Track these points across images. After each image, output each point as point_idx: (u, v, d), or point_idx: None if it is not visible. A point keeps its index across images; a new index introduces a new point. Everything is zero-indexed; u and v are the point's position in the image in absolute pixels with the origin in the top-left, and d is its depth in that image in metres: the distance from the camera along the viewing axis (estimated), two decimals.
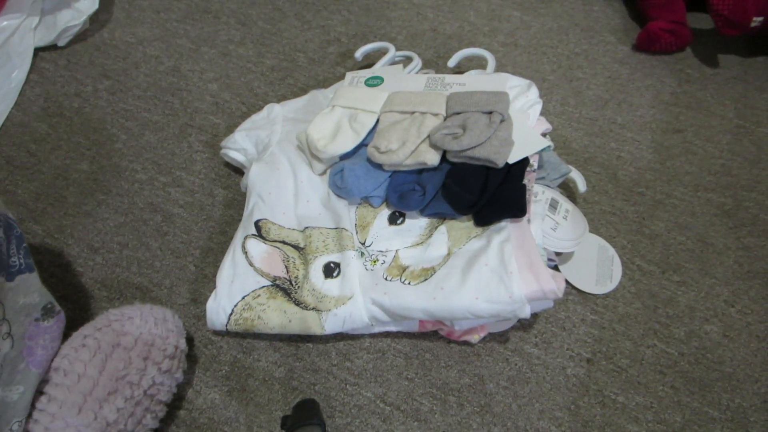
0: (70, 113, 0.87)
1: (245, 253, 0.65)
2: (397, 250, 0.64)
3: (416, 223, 0.65)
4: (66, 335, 0.57)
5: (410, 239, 0.65)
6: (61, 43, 0.94)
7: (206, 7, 1.02)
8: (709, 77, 0.93)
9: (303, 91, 0.86)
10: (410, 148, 0.64)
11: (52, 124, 0.85)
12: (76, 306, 0.68)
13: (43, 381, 0.54)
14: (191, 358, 0.64)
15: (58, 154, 0.82)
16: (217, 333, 0.66)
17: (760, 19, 0.86)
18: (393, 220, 0.66)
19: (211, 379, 0.64)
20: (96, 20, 0.98)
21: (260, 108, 0.79)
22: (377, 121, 0.69)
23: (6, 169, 0.80)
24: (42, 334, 0.56)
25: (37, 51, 0.93)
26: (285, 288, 0.63)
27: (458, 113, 0.66)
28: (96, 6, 0.94)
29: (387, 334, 0.66)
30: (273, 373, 0.64)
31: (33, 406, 0.52)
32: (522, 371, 0.64)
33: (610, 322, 0.68)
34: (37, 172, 0.80)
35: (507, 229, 0.62)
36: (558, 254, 0.69)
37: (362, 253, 0.64)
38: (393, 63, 0.84)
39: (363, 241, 0.65)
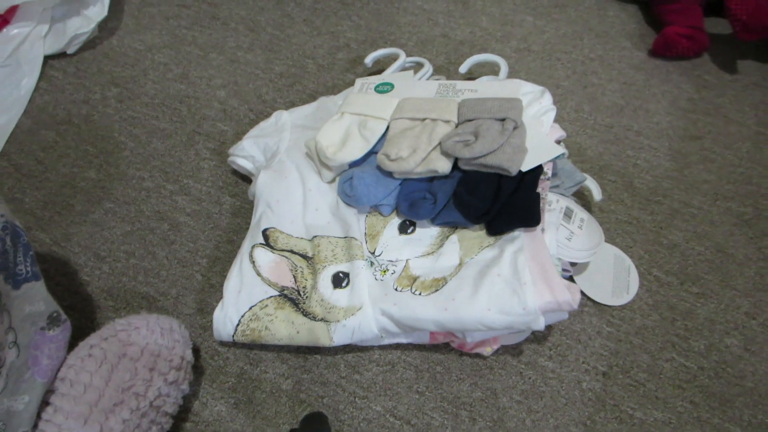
0: (79, 121, 0.86)
1: (253, 262, 0.64)
2: (407, 260, 0.63)
3: (427, 233, 0.64)
4: (72, 345, 0.56)
5: (421, 249, 0.63)
6: (70, 51, 0.94)
7: (215, 14, 1.02)
8: (728, 83, 0.91)
9: (312, 98, 0.85)
10: (421, 155, 0.63)
11: (60, 132, 0.85)
12: (82, 315, 0.68)
13: (49, 391, 0.53)
14: (197, 369, 0.63)
15: (65, 162, 0.82)
16: (223, 344, 0.65)
17: None
18: (403, 229, 0.64)
19: (217, 391, 0.62)
20: (105, 28, 0.98)
21: (268, 115, 0.78)
22: (387, 128, 0.68)
23: (14, 176, 0.80)
24: (47, 343, 0.55)
25: (47, 59, 0.93)
26: (293, 298, 0.62)
27: (470, 120, 0.65)
28: (105, 13, 0.94)
29: (397, 346, 0.65)
30: (280, 386, 0.63)
31: (39, 416, 0.52)
32: (536, 385, 0.62)
33: (626, 335, 0.66)
34: (45, 180, 0.80)
35: (520, 238, 0.60)
36: (573, 265, 0.67)
37: (372, 263, 0.63)
38: (403, 69, 0.83)
39: (372, 251, 0.64)
